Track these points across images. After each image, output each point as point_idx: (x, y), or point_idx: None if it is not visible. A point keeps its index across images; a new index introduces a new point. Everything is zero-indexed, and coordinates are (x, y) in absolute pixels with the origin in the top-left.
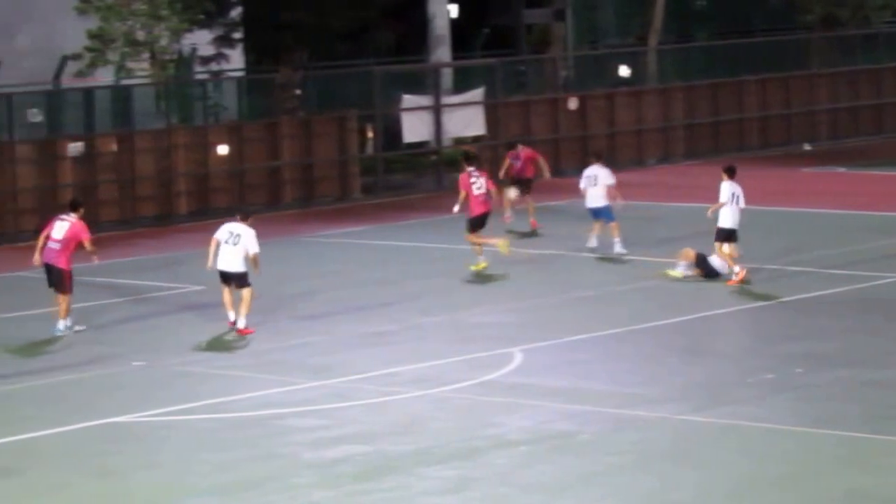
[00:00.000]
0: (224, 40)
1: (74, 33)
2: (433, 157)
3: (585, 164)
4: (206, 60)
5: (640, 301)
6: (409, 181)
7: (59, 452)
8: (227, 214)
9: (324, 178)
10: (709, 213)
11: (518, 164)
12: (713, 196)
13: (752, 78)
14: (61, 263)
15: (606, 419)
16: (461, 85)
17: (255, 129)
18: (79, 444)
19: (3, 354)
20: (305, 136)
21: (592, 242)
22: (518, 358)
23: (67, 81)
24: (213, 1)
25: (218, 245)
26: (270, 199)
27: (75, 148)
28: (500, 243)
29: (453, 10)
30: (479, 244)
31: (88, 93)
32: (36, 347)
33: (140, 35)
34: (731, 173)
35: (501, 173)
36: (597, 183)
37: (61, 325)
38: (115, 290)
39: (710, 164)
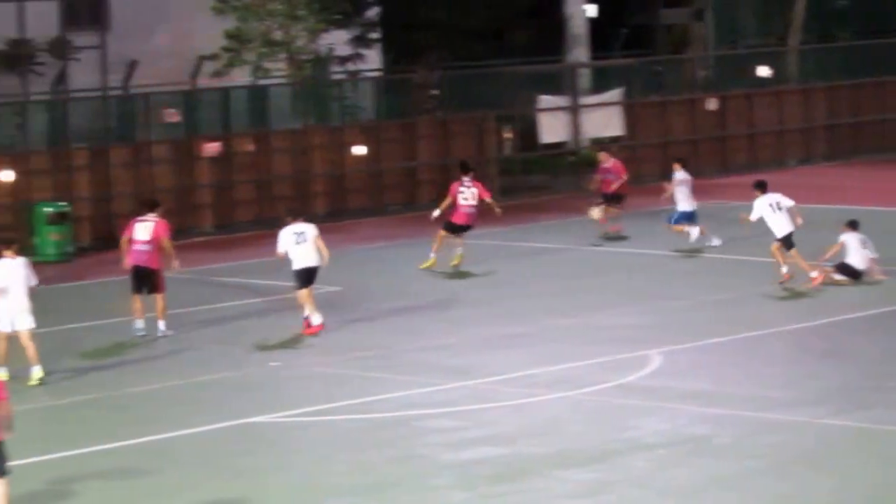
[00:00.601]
0: (361, 40)
1: (211, 33)
2: (571, 158)
3: (722, 167)
4: (342, 60)
5: (776, 304)
6: (546, 182)
7: (195, 453)
8: (364, 215)
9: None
10: (741, 218)
11: (612, 179)
12: (852, 197)
13: (894, 78)
14: (154, 264)
15: (743, 423)
16: (599, 85)
17: (392, 129)
18: (215, 445)
19: (139, 354)
20: (442, 137)
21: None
22: (655, 360)
23: (204, 81)
24: (350, 1)
25: (285, 256)
26: (407, 199)
27: (212, 148)
28: (429, 263)
29: (591, 10)
30: (438, 243)
31: (225, 93)
32: (172, 347)
33: (277, 35)
34: (763, 188)
35: (593, 188)
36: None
37: (161, 325)
38: (251, 291)
39: (850, 165)
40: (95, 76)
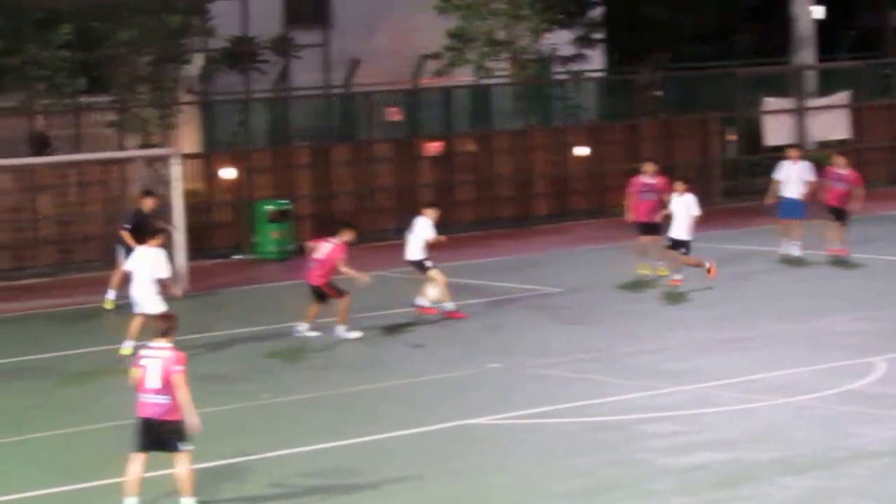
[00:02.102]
0: (584, 40)
1: (434, 32)
2: None
3: None
4: (565, 60)
5: None
6: (770, 185)
7: (412, 453)
8: (586, 216)
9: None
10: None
11: (842, 188)
12: None
13: None
14: (315, 280)
15: None
16: (825, 87)
17: (615, 130)
18: (433, 445)
19: (356, 353)
20: (666, 139)
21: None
22: (881, 367)
23: (426, 80)
24: (574, 1)
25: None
26: None
27: (433, 147)
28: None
29: (818, 12)
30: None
31: (447, 92)
32: (392, 346)
33: (500, 34)
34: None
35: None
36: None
37: (340, 330)
38: (472, 291)
39: None
40: (317, 74)
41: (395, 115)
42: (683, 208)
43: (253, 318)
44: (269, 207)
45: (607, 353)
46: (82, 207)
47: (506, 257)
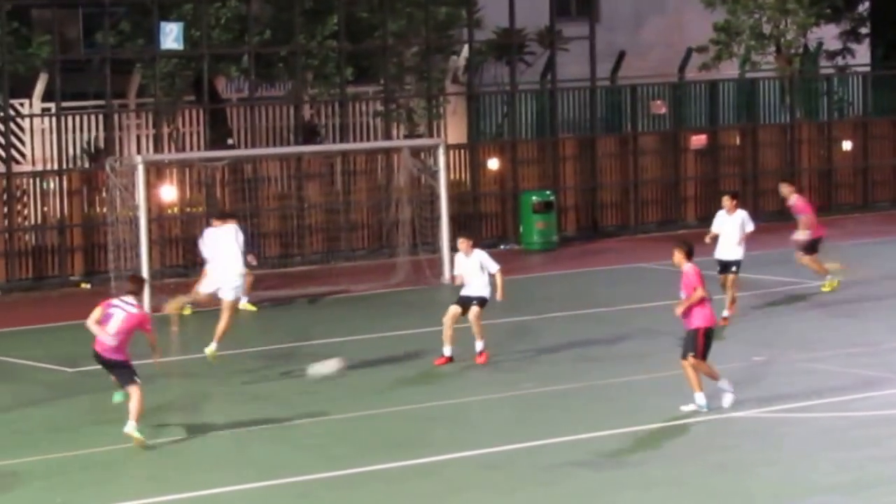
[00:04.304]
0: (851, 35)
1: (700, 25)
2: None
3: None
4: (831, 55)
5: None
6: None
7: (679, 444)
8: (851, 211)
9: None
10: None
11: None
12: None
13: None
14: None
15: None
16: None
17: (881, 125)
18: (697, 438)
19: (624, 344)
20: None
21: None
22: None
23: (692, 74)
24: None
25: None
26: None
27: (698, 140)
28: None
29: None
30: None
31: (713, 85)
32: (657, 338)
33: (766, 28)
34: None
35: None
36: None
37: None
38: (740, 285)
39: None
40: (583, 66)
41: (660, 107)
42: (735, 226)
43: (516, 309)
44: (535, 198)
45: (876, 347)
46: (348, 196)
47: (772, 251)
